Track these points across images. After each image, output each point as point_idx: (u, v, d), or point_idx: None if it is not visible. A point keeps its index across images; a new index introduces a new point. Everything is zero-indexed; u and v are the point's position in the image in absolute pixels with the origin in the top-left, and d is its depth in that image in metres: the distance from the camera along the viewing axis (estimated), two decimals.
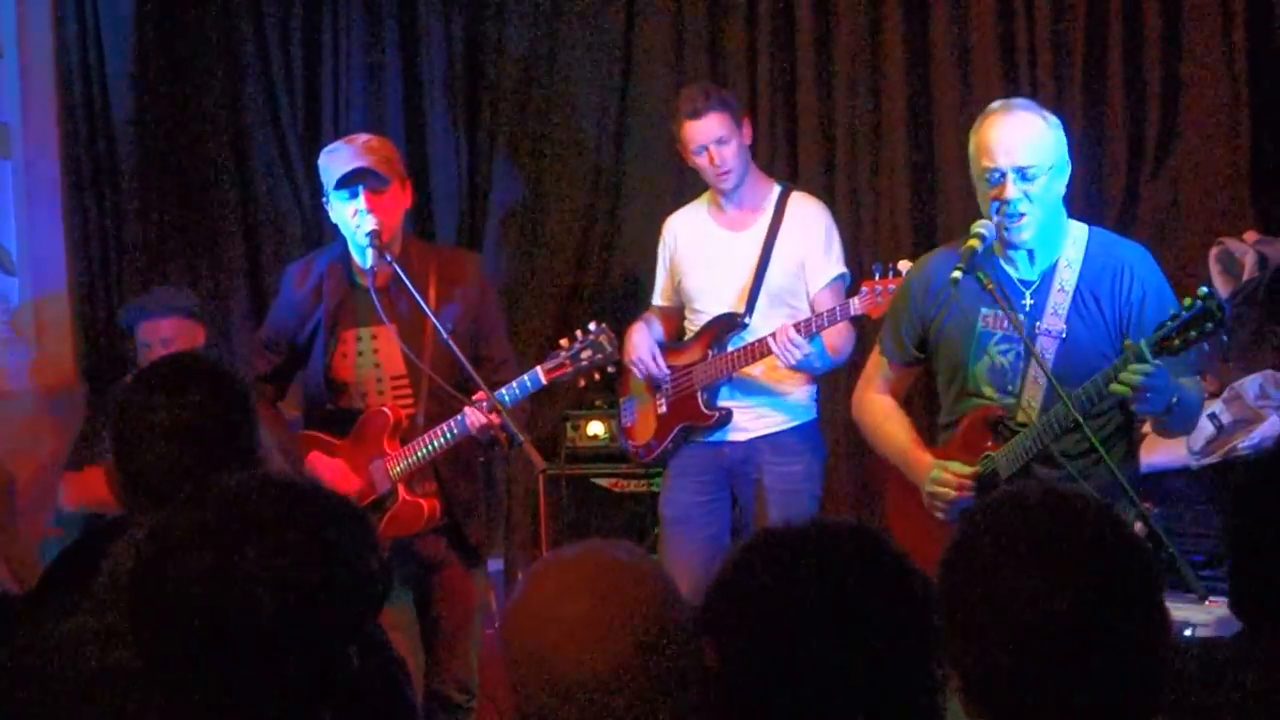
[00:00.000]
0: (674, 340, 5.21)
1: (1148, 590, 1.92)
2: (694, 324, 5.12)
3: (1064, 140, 3.83)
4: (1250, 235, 5.45)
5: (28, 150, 6.09)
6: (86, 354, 6.09)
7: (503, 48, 6.57)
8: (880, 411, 4.15)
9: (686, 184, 5.76)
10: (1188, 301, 3.52)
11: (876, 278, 4.59)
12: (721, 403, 5.02)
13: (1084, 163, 5.76)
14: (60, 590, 2.48)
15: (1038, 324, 3.80)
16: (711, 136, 4.92)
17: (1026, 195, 3.73)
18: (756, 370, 4.95)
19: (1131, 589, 1.90)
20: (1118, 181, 5.78)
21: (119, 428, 2.63)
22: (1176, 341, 3.52)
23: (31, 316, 6.11)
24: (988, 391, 3.89)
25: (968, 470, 3.85)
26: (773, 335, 4.76)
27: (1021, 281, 3.86)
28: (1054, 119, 3.84)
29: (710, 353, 5.01)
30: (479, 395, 4.30)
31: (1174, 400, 3.64)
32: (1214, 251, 5.43)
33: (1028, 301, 3.84)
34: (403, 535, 4.47)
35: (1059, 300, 3.80)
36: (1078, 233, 3.89)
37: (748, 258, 5.01)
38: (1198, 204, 5.70)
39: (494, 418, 4.26)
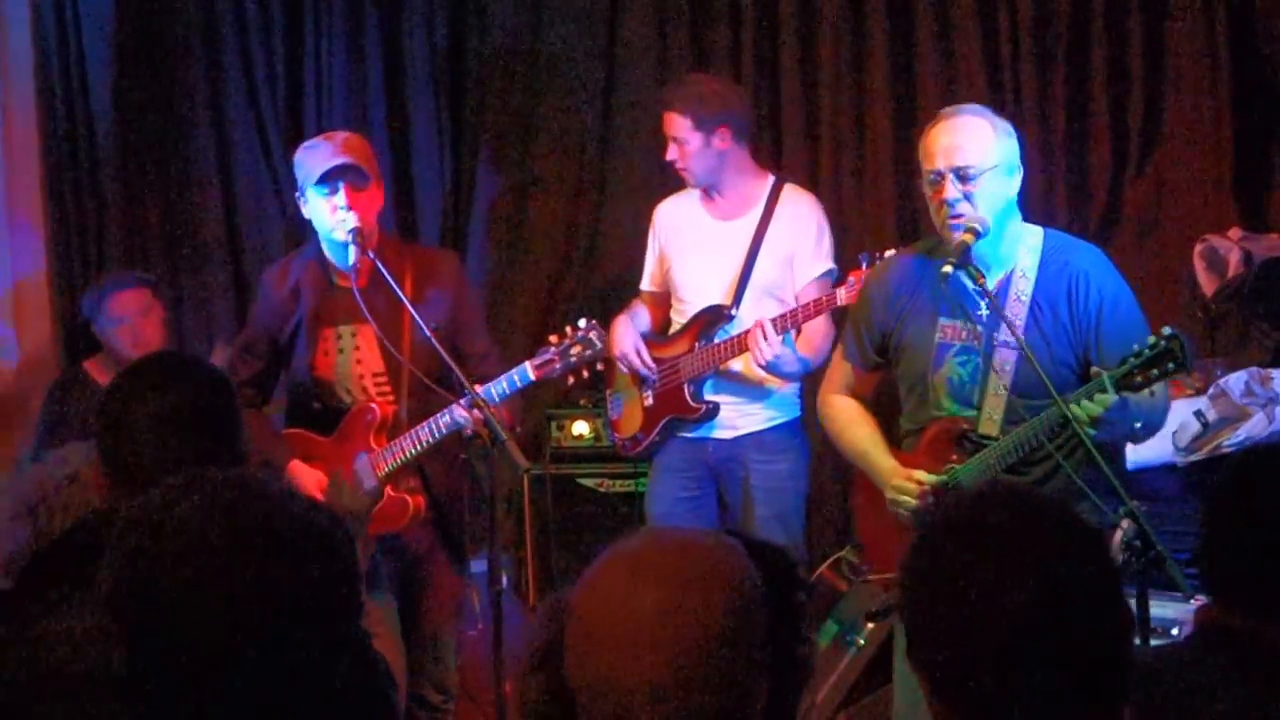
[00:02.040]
0: (661, 327, 5.21)
1: (1108, 579, 1.94)
2: (681, 315, 5.11)
3: (1012, 145, 3.83)
4: (1235, 232, 5.46)
5: (7, 144, 6.08)
6: (67, 348, 6.07)
7: (485, 40, 6.56)
8: (845, 414, 4.17)
9: (671, 177, 5.75)
10: (1152, 340, 3.55)
11: (864, 267, 4.56)
12: (708, 396, 5.01)
13: (1068, 161, 5.82)
14: (44, 587, 2.46)
15: (995, 335, 3.81)
16: (669, 132, 4.96)
17: (965, 196, 3.74)
18: (742, 365, 4.93)
19: (1092, 578, 1.91)
20: (1102, 180, 5.80)
21: (105, 420, 2.63)
22: (1138, 379, 3.56)
23: (12, 310, 6.10)
24: (947, 404, 3.91)
25: (931, 479, 3.87)
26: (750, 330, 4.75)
27: (977, 292, 3.85)
28: (1003, 124, 3.84)
29: (697, 345, 5.00)
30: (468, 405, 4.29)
31: (1137, 426, 3.71)
32: (1199, 249, 5.44)
33: (983, 312, 3.84)
34: (388, 531, 4.49)
35: (1016, 310, 3.80)
36: (1033, 240, 3.89)
37: (737, 249, 5.00)
38: (1182, 202, 5.71)
39: (478, 414, 4.26)
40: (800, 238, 4.97)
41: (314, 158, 4.44)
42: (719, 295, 5.00)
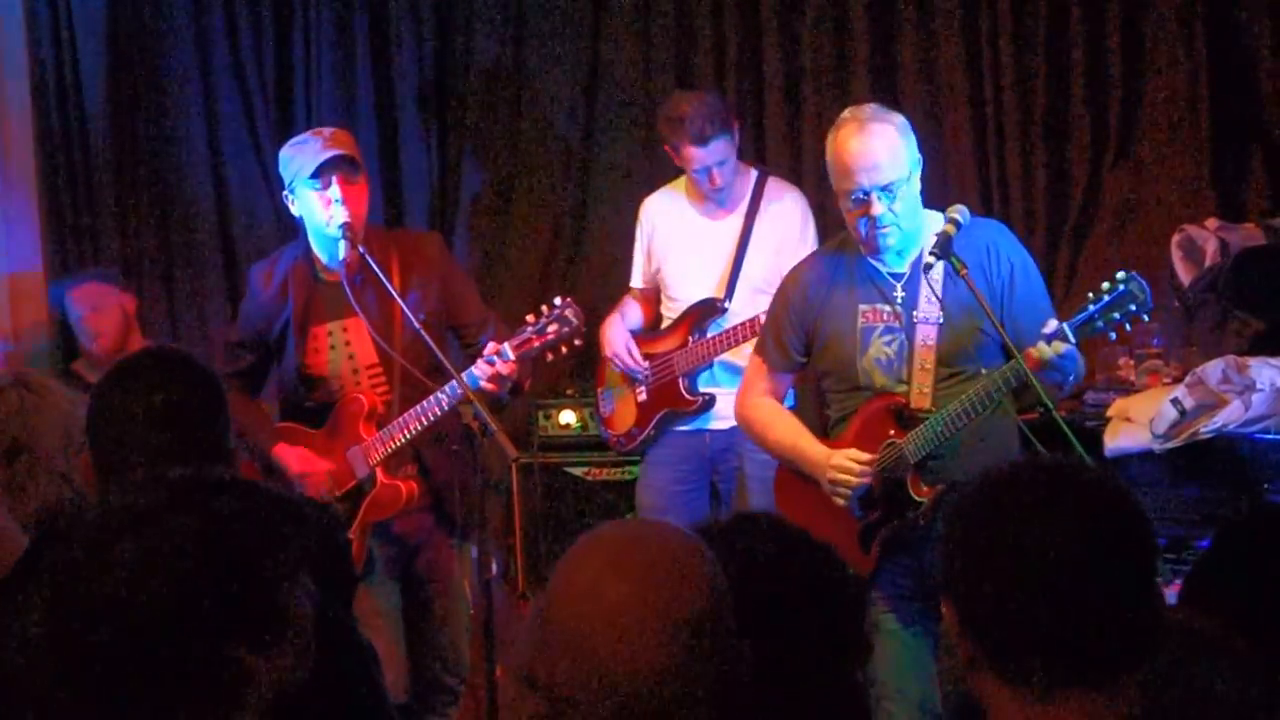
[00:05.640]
0: (652, 323, 5.25)
1: (1141, 541, 2.02)
2: (671, 311, 5.15)
3: (914, 141, 3.94)
4: (1212, 222, 5.49)
5: (2, 141, 6.10)
6: (63, 351, 6.11)
7: (471, 43, 6.59)
8: (768, 413, 4.25)
9: (656, 174, 5.79)
10: (1107, 285, 3.66)
11: None
12: (703, 389, 5.06)
13: (1047, 152, 5.86)
14: (25, 583, 2.51)
15: (915, 313, 3.93)
16: (714, 160, 4.96)
17: (891, 209, 3.86)
18: (738, 357, 4.98)
19: (1124, 537, 2.00)
20: (1081, 171, 5.83)
21: (95, 418, 2.68)
22: (1099, 322, 3.66)
23: (8, 314, 6.12)
24: (880, 381, 3.99)
25: (868, 457, 3.95)
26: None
27: (891, 275, 3.99)
28: (902, 121, 3.96)
29: (691, 339, 5.04)
30: (491, 349, 4.30)
31: (1070, 379, 3.82)
32: (1176, 238, 5.47)
33: (899, 294, 3.97)
34: (382, 518, 4.52)
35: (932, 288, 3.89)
36: (937, 223, 3.98)
37: (725, 244, 5.04)
38: (1160, 192, 5.74)
39: (509, 366, 4.29)
40: (786, 229, 5.02)
41: (305, 153, 4.43)
42: (710, 290, 5.04)
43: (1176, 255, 5.44)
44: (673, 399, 5.08)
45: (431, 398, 4.36)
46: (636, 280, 5.29)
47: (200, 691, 1.80)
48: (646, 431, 5.14)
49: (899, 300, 3.96)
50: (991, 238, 4.01)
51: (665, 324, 5.17)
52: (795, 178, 5.97)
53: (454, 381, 4.28)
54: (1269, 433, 4.91)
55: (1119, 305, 3.65)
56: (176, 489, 1.86)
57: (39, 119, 6.23)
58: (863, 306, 4.00)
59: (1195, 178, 5.70)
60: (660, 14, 6.35)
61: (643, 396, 5.15)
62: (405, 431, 4.45)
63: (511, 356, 4.31)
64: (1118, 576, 1.96)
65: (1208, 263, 5.37)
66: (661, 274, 5.17)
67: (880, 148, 3.86)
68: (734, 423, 5.02)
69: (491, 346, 4.31)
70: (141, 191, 6.50)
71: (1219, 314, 5.27)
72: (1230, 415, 4.90)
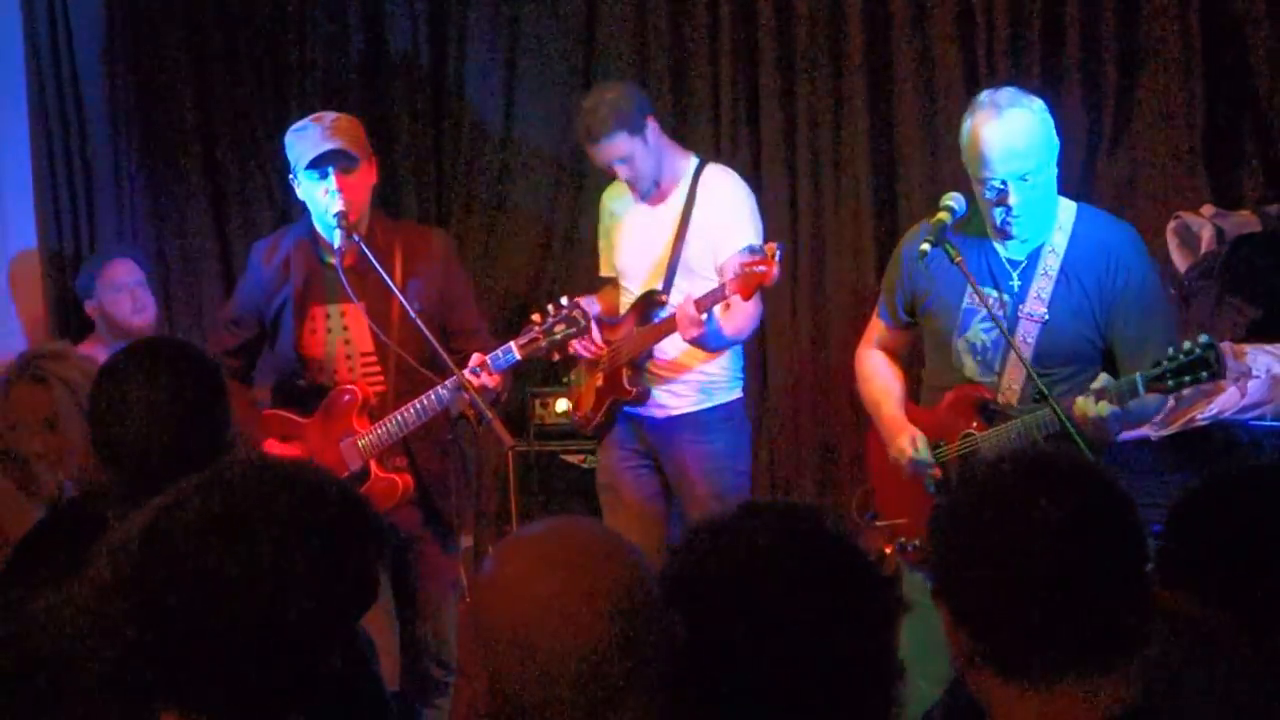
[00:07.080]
0: (613, 311, 5.26)
1: (1127, 527, 2.03)
2: (625, 301, 5.18)
3: (1050, 123, 3.86)
4: (1207, 209, 5.50)
5: None
6: (58, 325, 6.12)
7: (465, 44, 6.59)
8: (868, 368, 4.30)
9: None
10: (1187, 345, 3.60)
11: (746, 256, 4.58)
12: (643, 378, 5.05)
13: None
14: (34, 565, 2.52)
15: (1021, 307, 3.88)
16: (609, 158, 4.95)
17: (1028, 198, 3.80)
18: (677, 348, 4.96)
19: (1110, 523, 2.01)
20: (1075, 158, 5.78)
21: (96, 406, 2.69)
22: (1170, 383, 3.61)
23: (3, 290, 6.12)
24: (969, 366, 3.97)
25: (934, 466, 3.97)
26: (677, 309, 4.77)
27: (1010, 261, 3.93)
28: (1038, 104, 3.87)
29: (635, 329, 5.05)
30: (476, 360, 4.34)
31: (1116, 439, 3.80)
32: (1172, 226, 5.48)
33: (1014, 283, 3.91)
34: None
35: (1043, 284, 3.86)
36: (1065, 214, 3.94)
37: (664, 234, 5.04)
38: (1155, 179, 5.73)
39: (494, 379, 4.30)
40: (718, 214, 4.98)
41: (304, 142, 4.46)
42: (652, 278, 5.05)
43: (1172, 242, 5.45)
44: (616, 387, 5.09)
45: (432, 393, 4.36)
46: (603, 269, 5.32)
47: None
48: (598, 417, 5.17)
49: (1011, 290, 3.91)
50: (1113, 242, 3.93)
51: (622, 311, 5.19)
52: (790, 171, 5.99)
53: (451, 379, 4.29)
54: (1265, 419, 4.92)
55: (1191, 369, 3.58)
56: (286, 491, 1.90)
57: (34, 101, 6.21)
58: (971, 288, 3.94)
59: (1190, 165, 5.70)
60: (654, 19, 6.33)
61: (599, 383, 5.18)
62: (400, 425, 4.45)
63: (517, 356, 4.37)
64: (1106, 563, 1.97)
65: (1203, 250, 5.37)
66: (614, 264, 5.22)
67: (1017, 136, 3.78)
68: (670, 413, 5.05)
69: (476, 358, 4.32)
70: (136, 176, 6.49)
71: (1215, 301, 5.28)
72: (1226, 402, 4.92)
